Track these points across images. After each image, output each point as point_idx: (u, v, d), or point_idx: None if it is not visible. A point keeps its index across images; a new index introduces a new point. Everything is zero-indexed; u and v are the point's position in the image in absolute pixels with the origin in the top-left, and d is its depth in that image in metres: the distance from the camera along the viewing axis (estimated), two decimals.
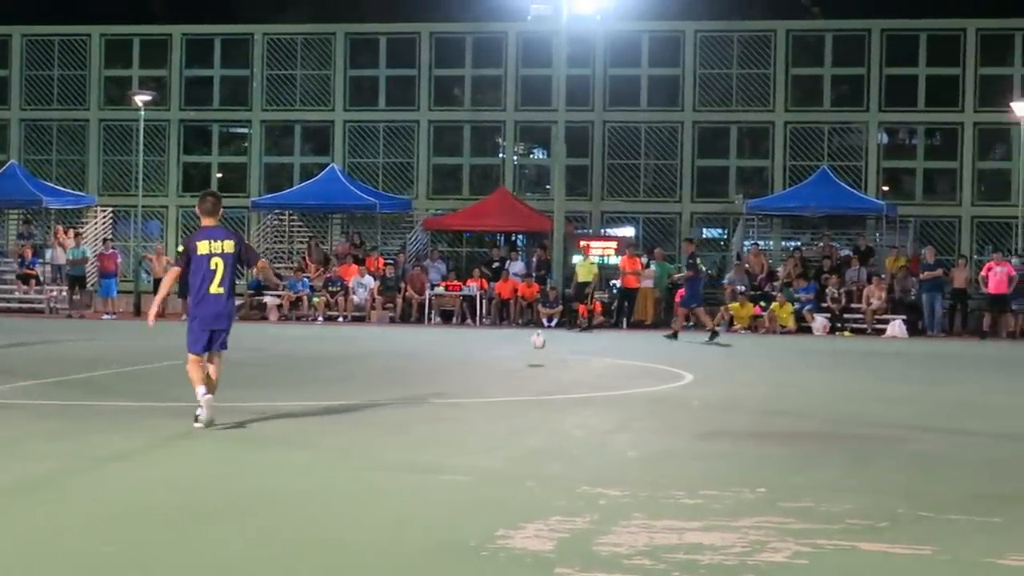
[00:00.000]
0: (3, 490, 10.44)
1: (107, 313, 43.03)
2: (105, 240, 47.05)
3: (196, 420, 13.97)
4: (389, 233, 48.65)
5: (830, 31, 47.96)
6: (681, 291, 41.59)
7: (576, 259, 41.24)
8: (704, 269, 36.60)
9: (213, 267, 14.22)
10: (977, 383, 22.50)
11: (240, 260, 14.59)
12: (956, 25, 46.61)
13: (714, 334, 33.85)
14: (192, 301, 14.54)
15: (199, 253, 14.25)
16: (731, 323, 40.42)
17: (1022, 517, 10.00)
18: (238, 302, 44.43)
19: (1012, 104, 43.42)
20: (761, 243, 45.71)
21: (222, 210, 14.98)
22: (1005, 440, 14.73)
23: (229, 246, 14.33)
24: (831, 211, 44.13)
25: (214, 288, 14.25)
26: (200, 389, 14.00)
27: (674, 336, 34.51)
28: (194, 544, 8.54)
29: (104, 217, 49.54)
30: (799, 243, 46.35)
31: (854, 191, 44.65)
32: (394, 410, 16.57)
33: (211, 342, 14.35)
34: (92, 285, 46.24)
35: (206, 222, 14.58)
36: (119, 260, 45.07)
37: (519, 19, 47.04)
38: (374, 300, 42.68)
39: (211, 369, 14.36)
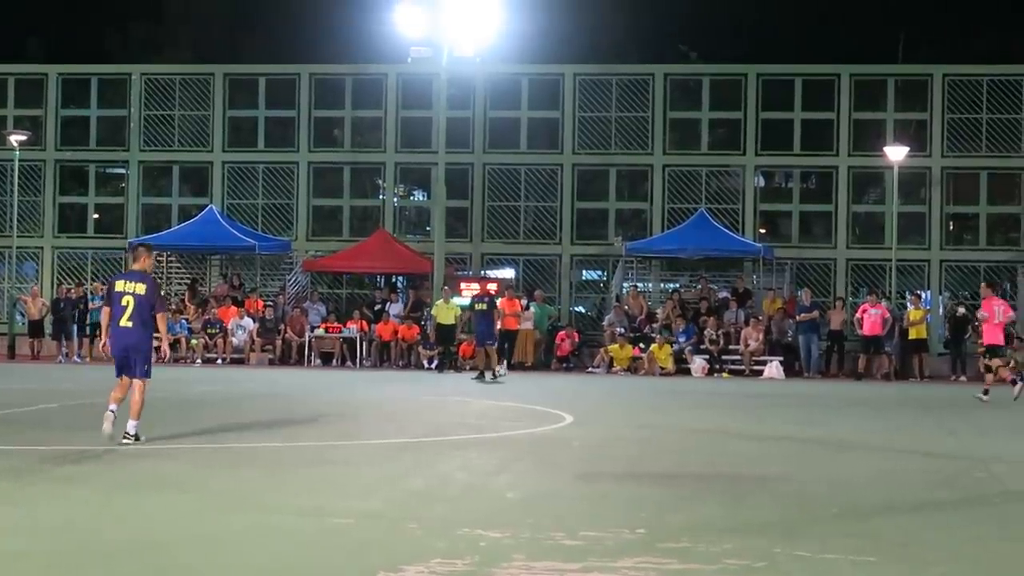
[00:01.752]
0: None
1: None
2: None
3: (102, 430, 16.17)
4: (268, 274, 48.40)
5: (707, 75, 48.52)
6: (561, 333, 41.91)
7: (438, 302, 41.00)
8: (496, 307, 36.94)
9: (124, 304, 16.65)
10: (851, 423, 22.78)
11: (150, 304, 16.83)
12: (830, 71, 47.35)
13: (481, 375, 34.80)
14: (109, 332, 16.89)
15: (115, 290, 16.81)
16: (611, 364, 40.63)
17: (896, 555, 10.15)
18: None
19: (885, 148, 44.16)
20: (640, 285, 46.02)
21: (147, 258, 17.42)
22: (880, 479, 14.93)
23: (141, 288, 16.74)
24: (709, 253, 44.55)
25: (123, 321, 16.68)
26: (111, 405, 16.49)
27: (481, 376, 34.98)
28: None
29: None
30: (677, 285, 46.72)
31: (732, 233, 45.09)
32: (275, 452, 16.48)
33: (126, 367, 16.80)
34: None
35: (131, 267, 17.44)
36: None
37: (399, 61, 47.08)
38: (253, 342, 42.42)
39: (134, 395, 16.75)
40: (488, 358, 35.43)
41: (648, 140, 47.50)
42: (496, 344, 36.17)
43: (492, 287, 41.09)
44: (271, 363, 41.93)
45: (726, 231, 44.95)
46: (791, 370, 40.62)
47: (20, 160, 47.02)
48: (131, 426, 16.51)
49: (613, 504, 12.29)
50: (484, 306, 36.11)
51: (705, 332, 41.42)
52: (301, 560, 9.51)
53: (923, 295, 43.72)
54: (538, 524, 10.99)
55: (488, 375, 34.53)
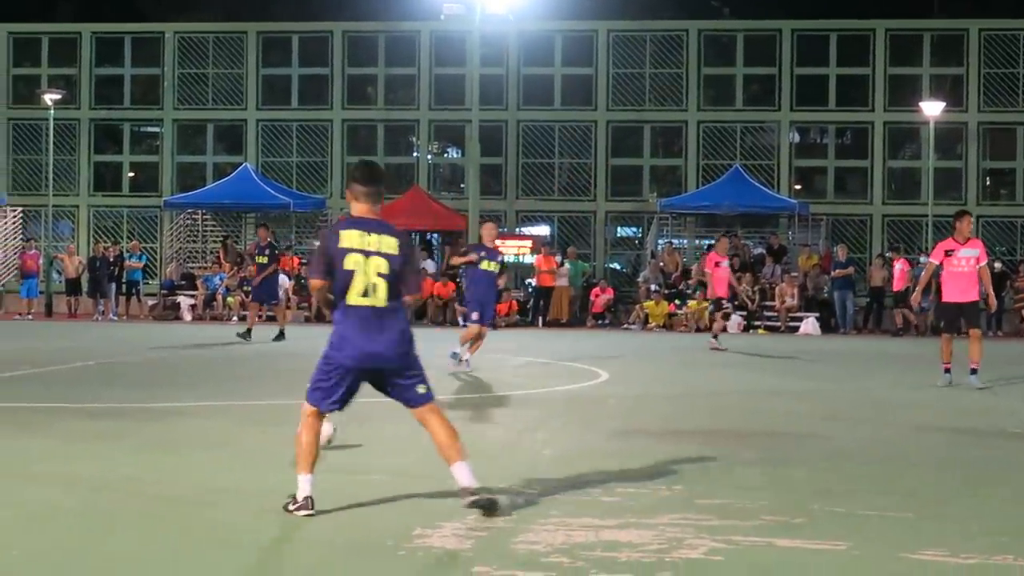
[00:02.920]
0: None
1: (19, 314, 42.58)
2: (28, 240, 46.48)
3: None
4: (303, 232, 48.47)
5: (741, 31, 48.31)
6: (595, 289, 41.85)
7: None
8: (271, 264, 31.51)
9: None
10: (887, 379, 22.69)
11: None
12: (866, 25, 47.10)
13: (281, 334, 30.81)
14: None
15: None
16: (646, 321, 40.58)
17: (933, 512, 10.12)
18: (152, 302, 44.47)
19: (921, 104, 43.90)
20: (675, 241, 45.94)
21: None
22: (916, 435, 14.89)
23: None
24: (744, 210, 44.43)
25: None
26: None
27: (247, 334, 30.37)
28: (105, 547, 8.47)
29: (14, 217, 48.98)
30: (712, 241, 46.55)
31: (766, 190, 44.97)
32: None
33: None
34: (3, 285, 45.70)
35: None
36: (40, 260, 44.56)
37: (432, 18, 46.98)
38: (289, 300, 42.46)
39: None
40: (277, 314, 32.61)
41: (682, 96, 47.34)
42: (278, 302, 32.73)
43: (260, 233, 33.98)
44: (307, 320, 41.98)
45: (761, 187, 44.83)
46: (827, 326, 40.50)
47: (55, 119, 47.15)
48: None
49: (650, 461, 12.27)
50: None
51: (740, 288, 41.28)
52: (338, 517, 9.53)
53: None
54: (575, 481, 10.99)
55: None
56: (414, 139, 49.58)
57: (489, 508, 9.29)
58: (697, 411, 17.24)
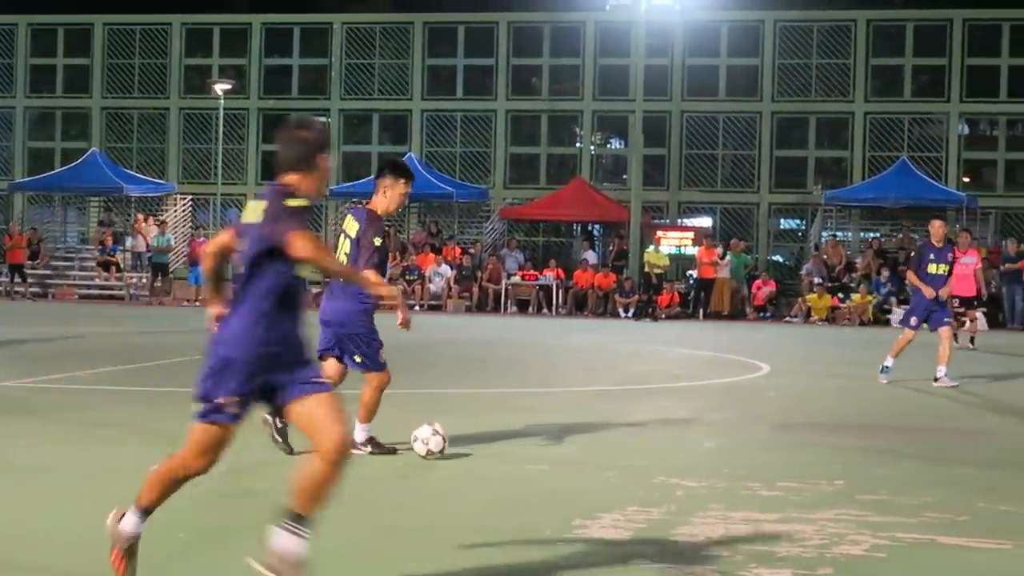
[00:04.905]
0: (92, 475, 10.59)
1: (187, 300, 43.37)
2: (198, 227, 47.35)
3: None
4: (466, 222, 48.76)
5: (911, 21, 47.57)
6: (757, 282, 41.53)
7: (648, 249, 41.10)
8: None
9: None
10: None
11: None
12: None
13: None
14: None
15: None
16: (808, 314, 40.21)
17: None
18: (316, 290, 44.98)
19: None
20: (839, 234, 45.45)
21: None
22: None
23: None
24: (910, 202, 43.75)
25: None
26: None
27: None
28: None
29: (184, 205, 49.92)
30: (878, 234, 46.02)
31: (934, 182, 44.29)
32: (471, 398, 16.62)
33: None
34: (173, 272, 46.60)
35: None
36: None
37: (598, 9, 46.96)
38: (451, 289, 42.77)
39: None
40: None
41: (849, 87, 46.81)
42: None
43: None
44: (468, 310, 42.23)
45: (928, 179, 44.15)
46: (994, 321, 39.74)
47: (225, 108, 47.96)
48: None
49: (811, 455, 12.18)
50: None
51: (905, 282, 40.71)
52: (497, 506, 9.59)
53: None
54: (735, 474, 10.94)
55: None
56: (578, 129, 49.62)
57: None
58: (859, 405, 17.05)
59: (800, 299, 41.02)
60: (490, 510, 9.43)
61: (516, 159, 49.54)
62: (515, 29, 49.50)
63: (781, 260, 48.13)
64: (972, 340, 28.80)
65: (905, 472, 11.45)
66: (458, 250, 44.42)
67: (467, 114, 49.50)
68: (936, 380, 19.33)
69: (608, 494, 9.89)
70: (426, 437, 11.15)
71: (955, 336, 26.27)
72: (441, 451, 11.24)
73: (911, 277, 20.32)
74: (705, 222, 47.58)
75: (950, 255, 19.82)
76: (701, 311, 41.30)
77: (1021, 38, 46.05)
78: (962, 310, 29.20)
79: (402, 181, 11.46)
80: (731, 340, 30.10)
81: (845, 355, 26.93)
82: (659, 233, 43.41)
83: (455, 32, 50.14)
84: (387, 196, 11.44)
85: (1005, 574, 7.93)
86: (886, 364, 19.63)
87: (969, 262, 28.86)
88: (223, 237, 7.24)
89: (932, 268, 19.63)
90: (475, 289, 42.91)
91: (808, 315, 40.24)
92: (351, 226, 11.42)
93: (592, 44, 48.55)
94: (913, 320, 19.83)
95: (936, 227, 20.06)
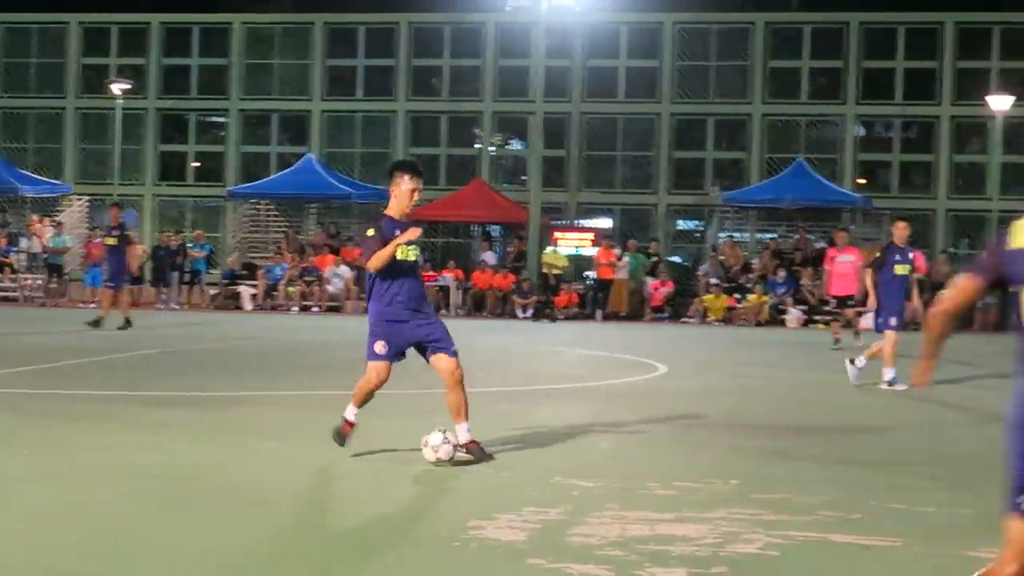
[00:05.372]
0: None
1: (83, 302, 42.84)
2: (94, 229, 46.79)
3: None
4: (365, 223, 48.53)
5: (808, 24, 48.02)
6: (655, 283, 41.72)
7: (547, 250, 41.26)
8: (133, 239, 30.74)
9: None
10: (948, 374, 22.50)
11: None
12: (934, 19, 46.70)
13: (127, 323, 28.46)
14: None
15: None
16: (705, 315, 40.46)
17: (993, 510, 10.03)
18: (214, 291, 44.64)
19: (988, 98, 43.52)
20: (736, 235, 45.76)
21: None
22: (978, 432, 14.78)
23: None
24: (807, 203, 44.13)
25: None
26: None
27: (97, 324, 28.75)
28: (164, 534, 8.52)
29: (80, 206, 49.33)
30: (774, 235, 46.37)
31: (830, 183, 44.70)
32: (372, 400, 16.53)
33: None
34: (69, 274, 46.03)
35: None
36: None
37: (498, 10, 47.02)
38: (350, 290, 42.60)
39: None
40: (117, 299, 29.35)
41: (747, 89, 47.16)
42: (121, 288, 29.61)
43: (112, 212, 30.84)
44: (366, 311, 41.97)
45: (824, 181, 44.56)
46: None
47: (122, 108, 47.47)
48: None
49: (707, 455, 12.24)
50: (115, 240, 29.11)
51: (801, 283, 41.10)
52: (393, 506, 9.56)
53: None
54: (630, 474, 10.98)
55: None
56: (478, 131, 49.62)
57: None
58: (756, 405, 17.17)
59: (697, 299, 41.26)
60: (386, 511, 9.39)
61: (416, 160, 49.39)
62: (416, 30, 49.44)
63: (679, 261, 48.38)
64: (857, 335, 29.00)
65: (800, 471, 11.53)
66: (357, 251, 44.23)
67: (367, 114, 49.36)
68: (890, 384, 19.24)
69: (505, 494, 9.89)
70: (436, 444, 11.10)
71: (839, 336, 26.81)
72: (450, 459, 11.16)
73: (870, 279, 20.38)
74: (605, 223, 47.72)
75: (911, 255, 19.97)
76: (599, 312, 41.42)
77: (916, 41, 46.64)
78: (839, 310, 29.60)
79: (407, 177, 11.88)
80: (629, 340, 30.21)
81: (742, 355, 27.11)
82: (557, 234, 43.48)
83: (355, 32, 49.98)
84: (396, 196, 11.93)
85: (896, 571, 8.00)
86: (888, 378, 19.41)
87: (848, 260, 29.13)
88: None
89: (898, 269, 19.76)
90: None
91: (705, 315, 40.48)
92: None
93: (492, 45, 48.58)
94: (893, 320, 19.81)
95: (900, 228, 20.17)
